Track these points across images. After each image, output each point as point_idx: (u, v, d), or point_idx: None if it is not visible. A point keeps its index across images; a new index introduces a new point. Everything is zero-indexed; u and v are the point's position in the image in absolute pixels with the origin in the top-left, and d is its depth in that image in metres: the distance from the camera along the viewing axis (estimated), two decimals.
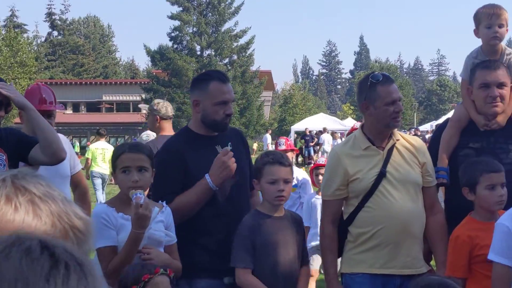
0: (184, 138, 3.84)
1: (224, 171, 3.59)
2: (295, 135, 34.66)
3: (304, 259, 3.80)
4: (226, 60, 48.47)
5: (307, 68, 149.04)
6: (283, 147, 7.11)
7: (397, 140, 3.79)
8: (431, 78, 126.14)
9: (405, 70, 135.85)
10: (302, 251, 3.79)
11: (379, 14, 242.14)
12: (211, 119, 3.71)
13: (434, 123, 40.26)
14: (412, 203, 3.69)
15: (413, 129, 35.24)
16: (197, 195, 3.61)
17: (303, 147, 31.60)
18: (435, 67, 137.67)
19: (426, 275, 3.58)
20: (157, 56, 47.31)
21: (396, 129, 3.82)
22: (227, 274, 3.66)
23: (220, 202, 3.69)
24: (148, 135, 15.89)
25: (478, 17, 3.96)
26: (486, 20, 3.90)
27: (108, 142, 51.41)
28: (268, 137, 34.07)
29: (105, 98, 60.37)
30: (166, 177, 3.57)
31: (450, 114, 4.58)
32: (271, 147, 30.55)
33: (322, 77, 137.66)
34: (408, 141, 3.84)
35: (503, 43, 4.02)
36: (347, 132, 7.84)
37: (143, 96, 49.92)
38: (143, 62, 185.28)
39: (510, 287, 3.05)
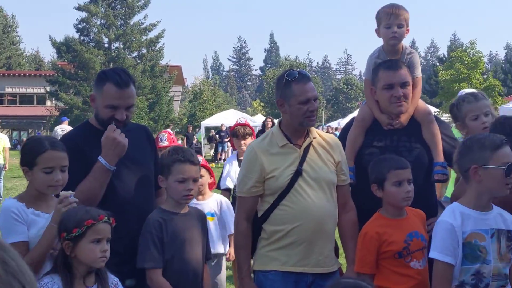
0: (83, 132, 3.70)
1: (115, 147, 3.45)
2: (212, 131, 34.52)
3: (207, 255, 3.77)
4: (135, 54, 47.63)
5: (218, 64, 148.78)
6: (165, 143, 6.66)
7: (314, 138, 3.79)
8: (339, 76, 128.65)
9: (313, 68, 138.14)
10: (206, 247, 3.76)
11: (289, 12, 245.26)
12: (100, 118, 3.59)
13: (341, 121, 41.14)
14: (327, 202, 3.70)
15: (327, 127, 35.92)
16: (96, 179, 3.46)
17: (217, 142, 31.73)
18: (342, 66, 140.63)
19: (342, 276, 3.60)
20: (63, 48, 45.94)
21: (313, 127, 3.81)
22: (129, 276, 3.55)
23: (121, 200, 3.55)
24: (64, 129, 15.41)
25: (379, 17, 4.00)
26: (386, 20, 3.94)
27: (11, 136, 49.54)
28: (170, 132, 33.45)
29: (8, 90, 58.16)
30: (69, 170, 3.40)
31: (356, 113, 4.62)
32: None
33: (233, 73, 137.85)
34: (325, 139, 3.84)
35: (406, 43, 4.08)
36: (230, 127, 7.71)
37: (48, 88, 48.38)
38: (48, 54, 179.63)
39: (450, 285, 3.06)
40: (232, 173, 6.70)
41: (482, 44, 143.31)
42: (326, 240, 3.70)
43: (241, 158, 6.44)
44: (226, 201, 5.73)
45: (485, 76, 39.80)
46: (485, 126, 3.74)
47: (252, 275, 3.80)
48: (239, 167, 6.28)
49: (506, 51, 73.63)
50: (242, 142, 6.80)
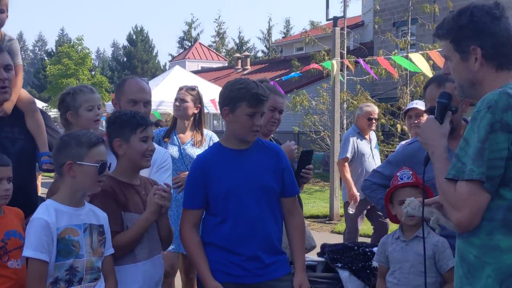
0: None
1: None
2: None
3: None
4: None
5: None
6: None
7: None
8: None
9: None
10: None
11: None
12: None
13: None
14: None
15: None
16: None
17: None
18: None
19: None
20: None
21: None
22: None
23: None
24: None
25: None
26: None
27: None
28: None
29: None
30: None
31: None
32: None
33: None
34: None
35: (13, 34, 3.90)
36: None
37: None
38: None
39: (45, 283, 2.99)
40: None
41: (90, 41, 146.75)
42: None
43: None
44: None
45: (93, 73, 40.72)
46: (97, 119, 3.81)
47: None
48: None
49: (113, 49, 76.55)
50: None
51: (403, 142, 6.81)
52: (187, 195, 3.48)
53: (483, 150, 2.28)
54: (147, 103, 4.05)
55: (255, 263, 3.40)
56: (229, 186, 3.38)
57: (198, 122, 5.56)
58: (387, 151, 17.99)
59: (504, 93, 2.32)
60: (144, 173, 3.67)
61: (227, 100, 3.40)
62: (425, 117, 5.76)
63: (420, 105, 6.21)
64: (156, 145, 3.98)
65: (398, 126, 17.76)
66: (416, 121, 6.15)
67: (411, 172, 3.65)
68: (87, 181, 3.10)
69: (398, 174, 3.71)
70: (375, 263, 5.08)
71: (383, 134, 19.36)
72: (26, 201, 3.66)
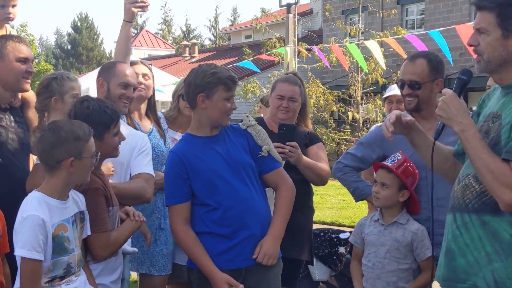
0: None
1: None
2: None
3: None
4: None
5: None
6: None
7: None
8: None
9: None
10: None
11: None
12: None
13: None
14: None
15: None
16: None
17: None
18: None
19: None
20: None
21: None
22: None
23: None
24: None
25: None
26: None
27: None
28: None
29: None
30: None
31: None
32: None
33: None
34: None
35: None
36: None
37: None
38: None
39: (40, 283, 2.81)
40: None
41: (33, 28, 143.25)
42: None
43: None
44: None
45: (37, 60, 39.84)
46: None
47: None
48: None
49: (56, 36, 74.68)
50: None
51: (378, 124, 6.77)
52: (171, 191, 3.38)
53: None
54: (135, 89, 3.93)
55: (251, 243, 3.34)
56: (214, 172, 3.33)
57: (153, 107, 4.31)
58: (338, 138, 18.11)
59: None
60: (125, 157, 3.60)
61: (202, 86, 3.30)
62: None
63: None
64: (132, 129, 3.90)
65: (350, 113, 17.89)
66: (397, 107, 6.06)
67: (400, 157, 3.59)
68: (83, 174, 2.96)
69: (391, 156, 3.63)
70: (341, 249, 5.09)
71: (334, 121, 19.48)
72: None
